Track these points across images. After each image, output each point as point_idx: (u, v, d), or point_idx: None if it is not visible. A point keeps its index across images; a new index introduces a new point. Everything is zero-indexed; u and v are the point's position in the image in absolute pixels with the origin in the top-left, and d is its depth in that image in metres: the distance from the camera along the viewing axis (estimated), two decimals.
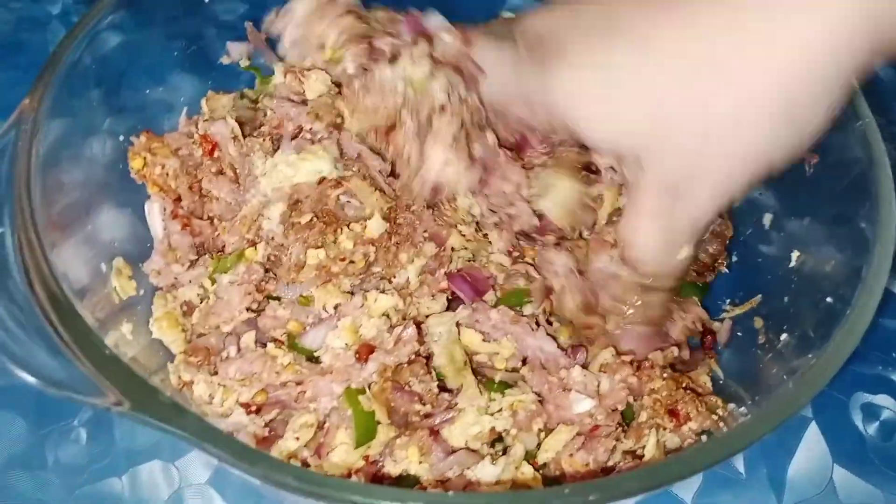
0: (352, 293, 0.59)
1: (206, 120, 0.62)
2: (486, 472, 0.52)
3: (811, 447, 0.68)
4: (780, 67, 0.48)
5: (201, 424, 0.42)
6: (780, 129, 0.50)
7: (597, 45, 0.53)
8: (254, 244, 0.60)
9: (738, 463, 0.67)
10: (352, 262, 0.58)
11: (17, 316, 0.48)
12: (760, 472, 0.66)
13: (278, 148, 0.62)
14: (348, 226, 0.59)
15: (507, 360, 0.59)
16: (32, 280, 0.48)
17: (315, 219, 0.59)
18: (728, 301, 0.70)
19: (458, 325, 0.60)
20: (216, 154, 0.62)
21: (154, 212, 0.63)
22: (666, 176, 0.54)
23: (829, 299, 0.55)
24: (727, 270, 0.72)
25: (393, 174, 0.64)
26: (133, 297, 0.60)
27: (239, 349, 0.57)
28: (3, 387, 0.66)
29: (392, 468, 0.52)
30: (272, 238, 0.59)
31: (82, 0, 0.93)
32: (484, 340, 0.59)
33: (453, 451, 0.53)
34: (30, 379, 0.46)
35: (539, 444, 0.57)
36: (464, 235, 0.64)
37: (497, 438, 0.57)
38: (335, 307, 0.58)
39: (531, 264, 0.65)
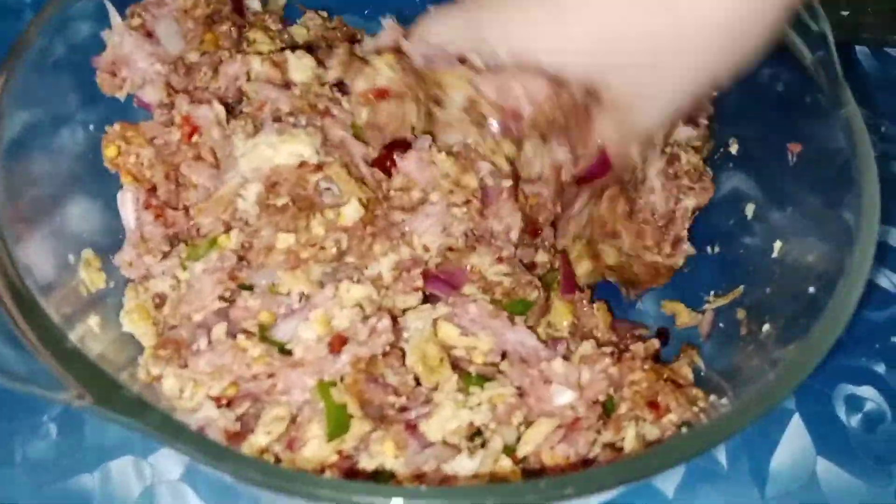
0: (322, 284, 0.57)
1: (193, 102, 0.61)
2: (463, 465, 0.51)
3: (794, 439, 0.67)
4: None
5: (166, 420, 0.41)
6: (724, 45, 0.54)
7: None
8: (228, 229, 0.58)
9: (721, 455, 0.66)
10: (322, 248, 0.57)
11: None
12: (743, 464, 0.66)
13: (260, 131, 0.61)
14: (322, 212, 0.57)
15: (486, 354, 0.58)
16: None
17: (291, 203, 0.57)
18: (711, 293, 0.69)
19: (434, 321, 0.58)
20: (194, 139, 0.60)
21: (127, 202, 0.61)
22: (616, 94, 0.58)
23: (811, 290, 0.54)
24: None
25: (381, 166, 0.62)
26: (102, 289, 0.59)
27: (210, 341, 0.56)
28: None
29: (367, 463, 0.51)
30: (246, 222, 0.58)
31: None
32: (462, 334, 0.58)
33: (430, 446, 0.52)
34: None
35: (519, 438, 0.56)
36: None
37: (476, 433, 0.56)
38: (306, 297, 0.57)
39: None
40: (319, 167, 0.59)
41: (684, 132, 0.73)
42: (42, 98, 0.59)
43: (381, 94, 0.61)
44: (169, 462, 0.63)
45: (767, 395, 0.46)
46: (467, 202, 0.60)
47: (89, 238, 0.60)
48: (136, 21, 0.63)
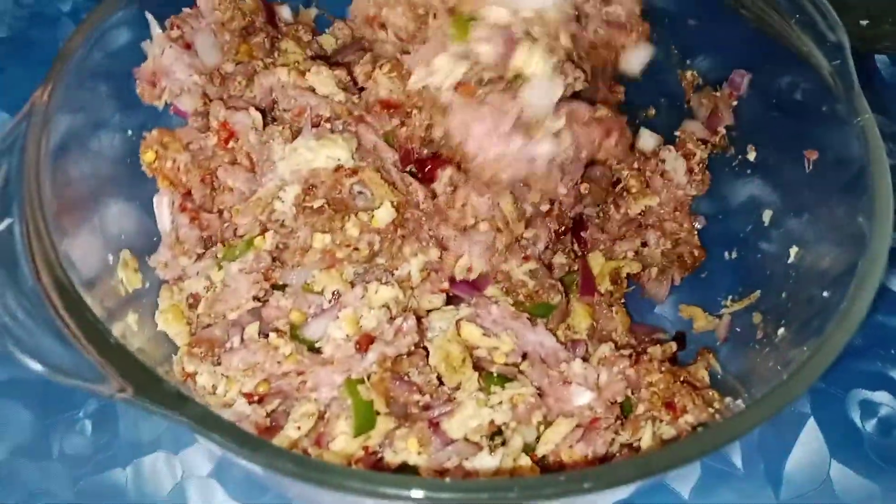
0: (353, 284, 0.59)
1: (229, 108, 0.63)
2: (484, 462, 0.53)
3: (809, 443, 0.68)
4: None
5: (205, 412, 0.42)
6: None
7: None
8: (264, 231, 0.61)
9: (736, 457, 0.67)
10: (356, 248, 0.59)
11: (24, 305, 0.48)
12: (758, 466, 0.67)
13: (297, 136, 0.64)
14: (356, 214, 0.60)
15: (507, 354, 0.60)
16: (39, 269, 0.49)
17: (326, 205, 0.59)
18: (728, 298, 0.70)
19: (458, 322, 0.60)
20: (230, 144, 0.63)
21: (163, 205, 0.63)
22: None
23: (825, 294, 0.55)
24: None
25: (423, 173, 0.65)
26: (139, 289, 0.61)
27: (243, 339, 0.58)
28: (9, 378, 0.68)
29: (391, 458, 0.53)
30: (282, 223, 0.60)
31: None
32: (484, 335, 0.60)
33: (452, 443, 0.54)
34: (36, 366, 0.46)
35: (538, 437, 0.57)
36: None
37: (496, 431, 0.57)
38: (336, 297, 0.59)
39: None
40: (354, 171, 0.61)
41: (699, 130, 0.76)
42: (84, 104, 0.61)
43: (386, 105, 0.64)
44: (199, 458, 0.65)
45: (780, 395, 0.47)
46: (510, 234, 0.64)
47: (126, 239, 0.62)
48: (175, 33, 0.65)
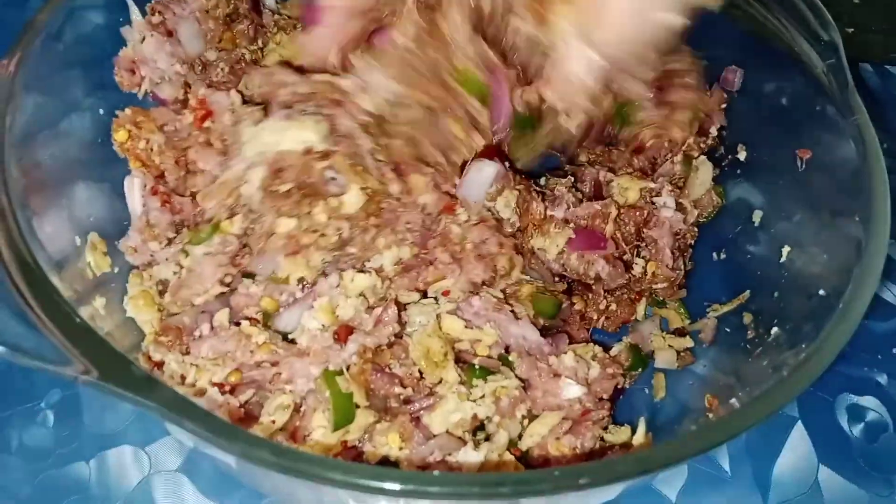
0: (325, 273, 0.57)
1: (210, 86, 0.61)
2: (468, 457, 0.51)
3: (797, 447, 0.67)
4: None
5: (176, 397, 0.40)
6: None
7: None
8: (232, 215, 0.58)
9: (724, 461, 0.65)
10: (323, 234, 0.56)
11: None
12: (746, 470, 0.65)
13: None
14: (325, 200, 0.57)
15: (490, 347, 0.58)
16: (1, 246, 0.46)
17: (295, 189, 0.57)
18: (715, 301, 0.69)
19: (438, 315, 0.58)
20: (206, 124, 0.60)
21: (134, 187, 0.61)
22: None
23: (821, 292, 0.54)
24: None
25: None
26: (107, 273, 0.58)
27: (212, 327, 0.55)
28: None
29: (371, 453, 0.51)
30: (250, 209, 0.58)
31: None
32: (466, 327, 0.58)
33: (434, 437, 0.51)
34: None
35: (521, 433, 0.56)
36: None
37: (479, 426, 0.55)
38: (308, 286, 0.56)
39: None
40: (326, 155, 0.59)
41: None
42: (53, 80, 0.58)
43: None
44: (167, 452, 0.62)
45: (780, 393, 0.46)
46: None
47: (95, 222, 0.59)
48: (156, 19, 0.63)
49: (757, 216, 0.69)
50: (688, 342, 0.66)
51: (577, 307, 0.66)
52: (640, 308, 0.69)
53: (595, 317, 0.67)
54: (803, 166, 0.64)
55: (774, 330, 0.58)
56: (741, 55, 0.74)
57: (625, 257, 0.66)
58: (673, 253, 0.67)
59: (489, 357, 0.57)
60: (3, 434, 0.61)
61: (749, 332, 0.62)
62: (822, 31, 0.64)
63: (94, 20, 0.62)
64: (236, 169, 0.59)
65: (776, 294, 0.62)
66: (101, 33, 0.63)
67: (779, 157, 0.67)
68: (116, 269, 0.59)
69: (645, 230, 0.67)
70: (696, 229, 0.71)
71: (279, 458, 0.38)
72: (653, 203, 0.68)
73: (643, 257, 0.67)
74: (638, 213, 0.66)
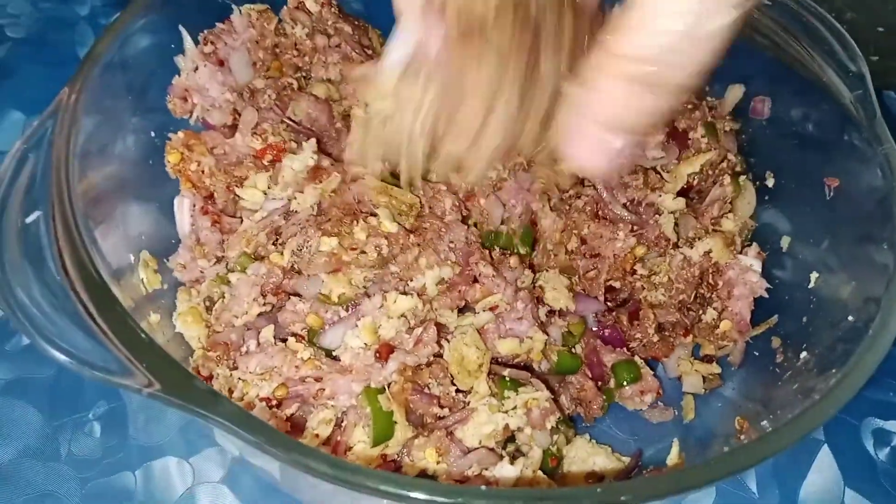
0: (367, 294, 0.59)
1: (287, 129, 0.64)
2: (504, 472, 0.52)
3: (823, 470, 0.68)
4: None
5: (238, 411, 0.42)
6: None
7: None
8: (279, 241, 0.61)
9: (751, 482, 0.67)
10: (363, 252, 0.58)
11: (49, 298, 0.48)
12: (773, 492, 0.66)
13: None
14: (364, 219, 0.59)
15: (543, 351, 0.60)
16: (67, 263, 0.48)
17: (336, 210, 0.59)
18: None
19: (475, 329, 0.60)
20: (266, 159, 0.63)
21: (184, 207, 0.63)
22: None
23: (849, 318, 0.56)
24: None
25: None
26: (158, 290, 0.60)
27: (259, 343, 0.57)
28: (17, 378, 0.66)
29: (410, 467, 0.52)
30: (295, 233, 0.60)
31: (110, 2, 0.94)
32: (515, 338, 0.60)
33: (470, 451, 0.53)
34: (61, 358, 0.46)
35: (555, 444, 0.57)
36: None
37: (509, 438, 0.57)
38: (355, 305, 0.58)
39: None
40: (354, 179, 0.61)
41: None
42: (108, 106, 0.61)
43: None
44: (210, 464, 0.63)
45: (806, 420, 0.47)
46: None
47: (146, 240, 0.62)
48: (208, 48, 0.65)
49: (785, 242, 0.70)
50: (715, 368, 0.67)
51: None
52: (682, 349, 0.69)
53: (631, 343, 0.67)
54: (831, 194, 0.65)
55: (803, 354, 0.59)
56: (769, 85, 0.75)
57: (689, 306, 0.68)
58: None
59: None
60: (53, 443, 0.63)
61: (778, 355, 0.63)
62: (850, 63, 0.66)
63: (145, 44, 0.65)
64: (255, 219, 0.62)
65: (805, 319, 0.63)
66: (152, 60, 0.66)
67: (807, 184, 0.68)
68: (166, 286, 0.62)
69: (719, 281, 0.68)
70: None
71: (335, 470, 0.40)
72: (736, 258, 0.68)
73: (714, 308, 0.68)
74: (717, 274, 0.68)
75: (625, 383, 0.63)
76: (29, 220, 0.50)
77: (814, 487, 0.67)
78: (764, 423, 0.55)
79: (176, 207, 0.64)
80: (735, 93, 0.78)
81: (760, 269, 0.68)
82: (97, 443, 0.64)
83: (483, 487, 0.41)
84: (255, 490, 0.63)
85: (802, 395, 0.55)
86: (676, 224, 0.68)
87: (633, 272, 0.67)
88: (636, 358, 0.65)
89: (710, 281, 0.68)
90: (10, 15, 0.91)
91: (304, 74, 0.70)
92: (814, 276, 0.64)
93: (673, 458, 0.55)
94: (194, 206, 0.63)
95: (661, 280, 0.66)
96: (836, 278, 0.62)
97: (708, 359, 0.69)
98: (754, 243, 0.69)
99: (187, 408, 0.43)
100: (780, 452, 0.45)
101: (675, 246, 0.67)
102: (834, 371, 0.52)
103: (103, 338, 0.45)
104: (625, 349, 0.66)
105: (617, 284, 0.67)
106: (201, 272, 0.61)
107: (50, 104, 0.55)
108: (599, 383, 0.62)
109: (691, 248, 0.67)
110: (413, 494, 0.40)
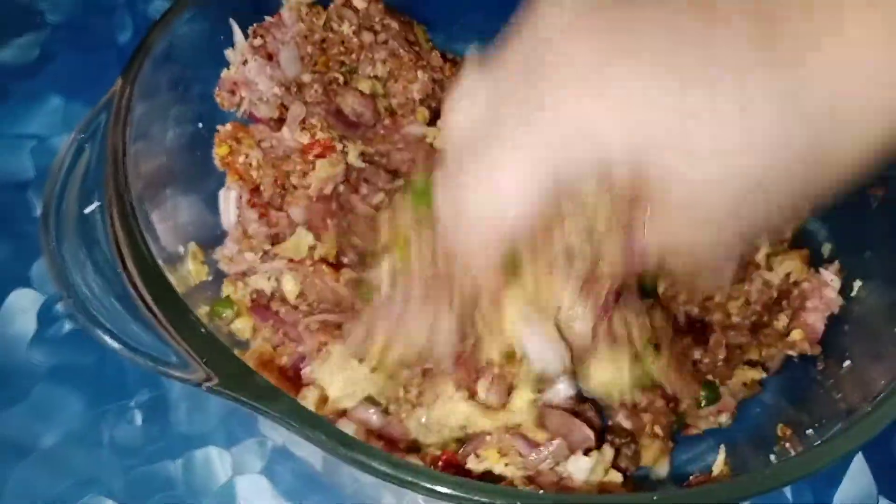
0: None
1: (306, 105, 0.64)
2: (578, 466, 0.52)
3: (856, 478, 0.68)
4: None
5: (299, 408, 0.42)
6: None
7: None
8: None
9: (786, 489, 0.67)
10: None
11: (108, 290, 0.48)
12: (807, 498, 0.67)
13: None
14: None
15: None
16: (125, 253, 0.48)
17: None
18: None
19: None
20: (311, 156, 0.63)
21: (230, 199, 0.63)
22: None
23: (893, 330, 0.56)
24: None
25: None
26: (205, 281, 0.61)
27: None
28: (60, 364, 0.67)
29: (475, 466, 0.52)
30: None
31: None
32: None
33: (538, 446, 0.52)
34: (118, 348, 0.46)
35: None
36: None
37: None
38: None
39: None
40: None
41: None
42: (158, 98, 0.61)
43: None
44: (250, 455, 0.64)
45: (856, 434, 0.48)
46: None
47: (194, 231, 0.62)
48: (257, 42, 0.65)
49: (826, 248, 0.70)
50: (757, 373, 0.67)
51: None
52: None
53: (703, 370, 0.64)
54: (876, 203, 0.65)
55: (846, 364, 0.59)
56: None
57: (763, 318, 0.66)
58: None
59: None
60: (96, 429, 0.64)
61: (819, 363, 0.64)
62: None
63: (195, 41, 0.65)
64: None
65: (846, 327, 0.63)
66: (201, 53, 0.66)
67: (850, 192, 0.68)
68: (211, 278, 0.62)
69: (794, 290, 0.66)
70: None
71: (394, 470, 0.41)
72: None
73: (786, 314, 0.66)
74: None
75: (704, 403, 0.61)
76: (87, 210, 0.51)
77: (848, 494, 0.67)
78: (809, 431, 0.56)
79: (221, 199, 0.64)
80: None
81: (839, 287, 0.65)
82: (139, 430, 0.65)
83: (541, 492, 0.42)
84: (293, 481, 0.63)
85: (846, 404, 0.55)
86: None
87: (711, 297, 0.65)
88: None
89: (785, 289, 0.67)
90: (49, 0, 0.91)
91: (349, 69, 0.70)
92: (856, 284, 0.64)
93: (719, 465, 0.55)
94: (241, 198, 0.63)
95: (738, 303, 0.65)
96: (880, 288, 0.62)
97: (751, 363, 0.68)
98: (836, 260, 0.67)
99: (246, 402, 0.43)
100: (830, 465, 0.45)
101: (756, 266, 0.66)
102: (877, 382, 0.52)
103: (162, 331, 0.46)
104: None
105: (695, 310, 0.65)
106: (248, 265, 0.61)
107: (89, 94, 0.56)
108: (671, 404, 0.60)
109: (770, 269, 0.66)
110: (477, 497, 0.40)
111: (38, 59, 0.87)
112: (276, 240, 0.63)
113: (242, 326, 0.60)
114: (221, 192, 0.64)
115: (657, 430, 0.58)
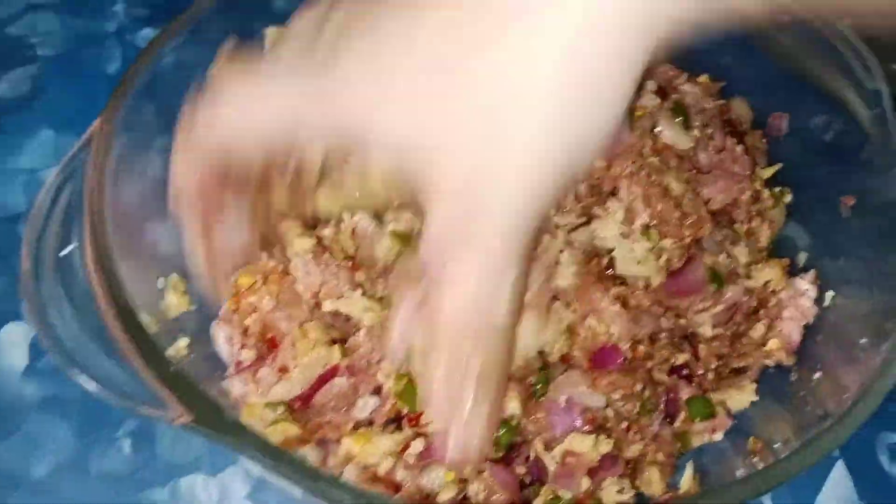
0: None
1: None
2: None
3: (837, 485, 0.69)
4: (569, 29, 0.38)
5: (264, 444, 0.43)
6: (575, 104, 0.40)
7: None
8: None
9: (766, 497, 0.68)
10: None
11: (85, 330, 0.50)
12: None
13: None
14: None
15: None
16: (99, 295, 0.50)
17: None
18: None
19: None
20: None
21: (220, 338, 0.62)
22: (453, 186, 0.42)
23: (862, 340, 0.56)
24: None
25: None
26: (186, 312, 0.62)
27: None
28: (52, 395, 0.68)
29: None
30: None
31: (137, 17, 0.95)
32: None
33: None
34: (93, 388, 0.48)
35: None
36: None
37: None
38: None
39: None
40: None
41: None
42: (138, 130, 0.62)
43: None
44: (236, 480, 0.65)
45: (824, 443, 0.48)
46: None
47: (173, 262, 0.63)
48: None
49: (802, 257, 0.70)
50: (747, 379, 0.67)
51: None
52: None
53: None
54: (848, 213, 0.65)
55: (817, 375, 0.60)
56: (786, 99, 0.76)
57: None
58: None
59: None
60: (85, 459, 0.66)
61: (792, 374, 0.64)
62: (868, 80, 0.66)
63: (176, 73, 0.66)
64: None
65: (819, 337, 0.64)
66: (182, 83, 0.67)
67: (824, 201, 0.68)
68: (194, 307, 0.63)
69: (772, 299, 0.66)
70: None
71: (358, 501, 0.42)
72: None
73: (763, 324, 0.65)
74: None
75: (699, 419, 0.60)
76: (62, 253, 0.52)
77: (829, 501, 0.68)
78: (778, 444, 0.56)
79: (212, 332, 0.63)
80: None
81: (815, 296, 0.65)
82: (126, 459, 0.66)
83: None
84: None
85: (818, 415, 0.56)
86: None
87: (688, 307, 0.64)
88: None
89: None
90: (40, 33, 0.93)
91: None
92: (829, 294, 0.64)
93: (687, 481, 0.56)
94: (231, 339, 0.63)
95: (717, 312, 0.64)
96: (852, 299, 0.63)
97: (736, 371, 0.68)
98: (812, 269, 0.67)
99: (219, 439, 0.44)
100: (799, 475, 0.46)
101: (737, 275, 0.65)
102: (847, 392, 0.53)
103: (137, 369, 0.47)
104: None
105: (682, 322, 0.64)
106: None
107: (80, 126, 0.57)
108: (669, 419, 0.59)
109: (749, 278, 0.66)
110: None
111: (29, 92, 0.89)
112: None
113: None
114: (213, 326, 0.63)
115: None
